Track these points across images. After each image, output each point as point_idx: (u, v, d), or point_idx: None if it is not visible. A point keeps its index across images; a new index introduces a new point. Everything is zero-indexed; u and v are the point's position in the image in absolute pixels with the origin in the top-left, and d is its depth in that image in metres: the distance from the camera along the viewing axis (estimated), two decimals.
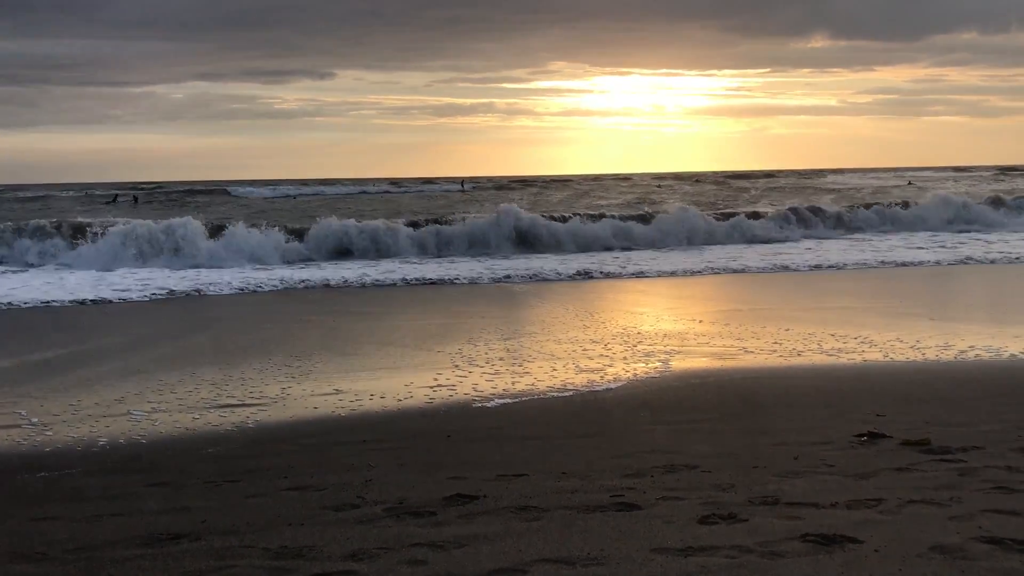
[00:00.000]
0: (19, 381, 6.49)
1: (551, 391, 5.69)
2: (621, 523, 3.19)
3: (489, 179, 66.52)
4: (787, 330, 7.87)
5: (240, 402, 5.62)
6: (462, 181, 57.78)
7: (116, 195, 41.31)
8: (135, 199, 39.60)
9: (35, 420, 5.26)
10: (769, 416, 4.92)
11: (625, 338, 7.67)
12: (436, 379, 6.15)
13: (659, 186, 48.59)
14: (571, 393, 5.61)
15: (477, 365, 6.59)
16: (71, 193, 50.66)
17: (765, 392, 5.54)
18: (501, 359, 6.80)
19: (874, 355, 6.72)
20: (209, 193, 47.71)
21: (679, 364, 6.52)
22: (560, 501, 3.43)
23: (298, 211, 29.90)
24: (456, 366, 6.58)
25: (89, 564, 2.92)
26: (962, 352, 6.75)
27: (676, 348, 7.16)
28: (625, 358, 6.76)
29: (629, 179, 61.85)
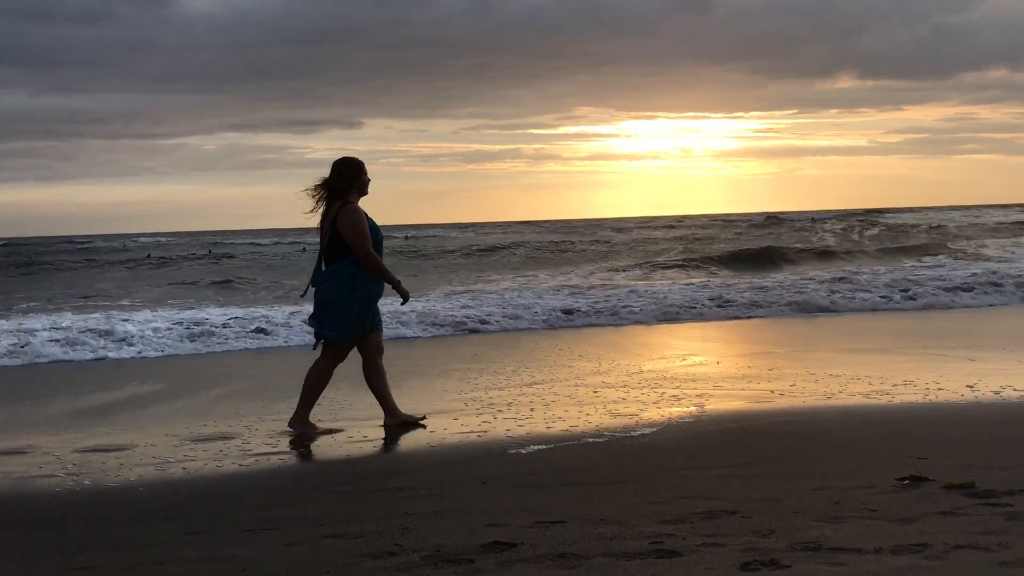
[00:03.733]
0: (54, 430, 6.56)
1: (585, 436, 5.66)
2: (661, 570, 3.15)
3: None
4: (823, 372, 7.79)
5: (274, 449, 5.64)
6: None
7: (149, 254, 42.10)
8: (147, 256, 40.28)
9: (71, 467, 5.31)
10: (807, 460, 4.86)
11: (657, 381, 7.63)
12: (471, 426, 6.16)
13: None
14: (606, 439, 5.58)
15: (504, 409, 6.58)
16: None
17: (802, 435, 5.47)
18: (528, 402, 6.79)
19: (912, 396, 6.63)
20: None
21: (714, 408, 6.47)
22: (599, 548, 3.40)
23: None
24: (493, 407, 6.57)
25: None
26: (998, 391, 6.65)
27: (710, 392, 7.11)
28: (658, 402, 6.72)
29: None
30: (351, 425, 6.33)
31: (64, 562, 3.53)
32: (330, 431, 6.14)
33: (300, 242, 51.70)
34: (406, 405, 7.13)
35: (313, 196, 6.19)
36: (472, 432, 5.97)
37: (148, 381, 8.90)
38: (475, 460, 5.19)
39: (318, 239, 6.25)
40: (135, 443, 5.95)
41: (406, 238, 47.95)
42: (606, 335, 11.75)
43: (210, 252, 43.54)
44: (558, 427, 5.98)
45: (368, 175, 6.22)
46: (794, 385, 7.26)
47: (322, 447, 5.72)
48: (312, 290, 6.25)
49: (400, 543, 3.56)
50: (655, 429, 5.79)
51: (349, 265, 6.05)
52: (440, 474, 4.88)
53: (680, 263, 24.74)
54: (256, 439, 5.96)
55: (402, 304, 6.40)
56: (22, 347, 10.69)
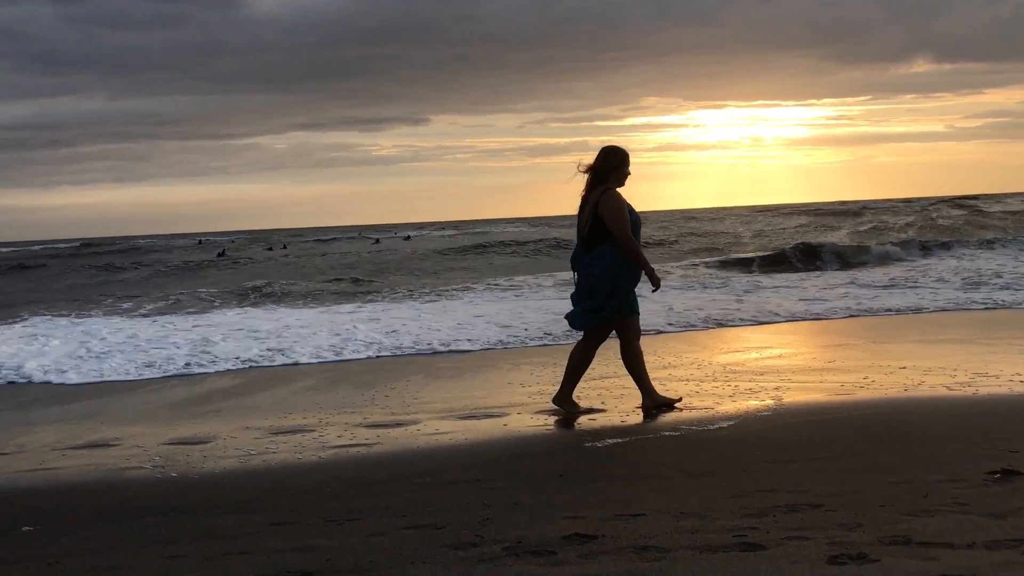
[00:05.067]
0: (139, 424, 6.75)
1: (662, 430, 5.62)
2: (746, 563, 3.11)
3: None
4: (900, 364, 7.61)
5: (351, 441, 5.72)
6: None
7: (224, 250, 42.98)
8: (222, 252, 41.03)
9: (157, 459, 5.46)
10: (892, 453, 4.75)
11: (728, 375, 7.54)
12: (544, 420, 6.17)
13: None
14: (682, 432, 5.53)
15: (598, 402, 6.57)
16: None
17: (885, 428, 5.35)
18: (598, 396, 6.77)
19: (995, 388, 6.44)
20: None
21: (791, 401, 6.37)
22: (681, 541, 3.38)
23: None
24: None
25: None
26: None
27: (785, 384, 7.00)
28: (732, 396, 6.64)
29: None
30: (424, 418, 6.39)
31: (156, 551, 3.62)
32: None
33: (373, 236, 53.21)
34: (480, 399, 7.18)
35: (584, 175, 6.29)
36: (545, 425, 5.97)
37: (227, 376, 9.10)
38: (550, 453, 5.19)
39: (576, 225, 6.37)
40: (217, 435, 6.10)
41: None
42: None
43: (284, 247, 44.63)
44: (632, 420, 5.94)
45: (630, 167, 6.32)
46: (871, 377, 7.10)
47: (400, 440, 5.78)
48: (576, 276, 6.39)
49: (481, 534, 3.58)
50: (732, 422, 5.72)
51: (612, 250, 6.16)
52: (516, 467, 4.90)
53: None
54: (333, 432, 6.05)
55: (653, 291, 6.44)
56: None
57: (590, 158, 6.37)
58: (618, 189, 6.29)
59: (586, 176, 6.32)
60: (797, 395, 6.57)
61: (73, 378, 9.09)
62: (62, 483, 5.03)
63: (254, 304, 17.33)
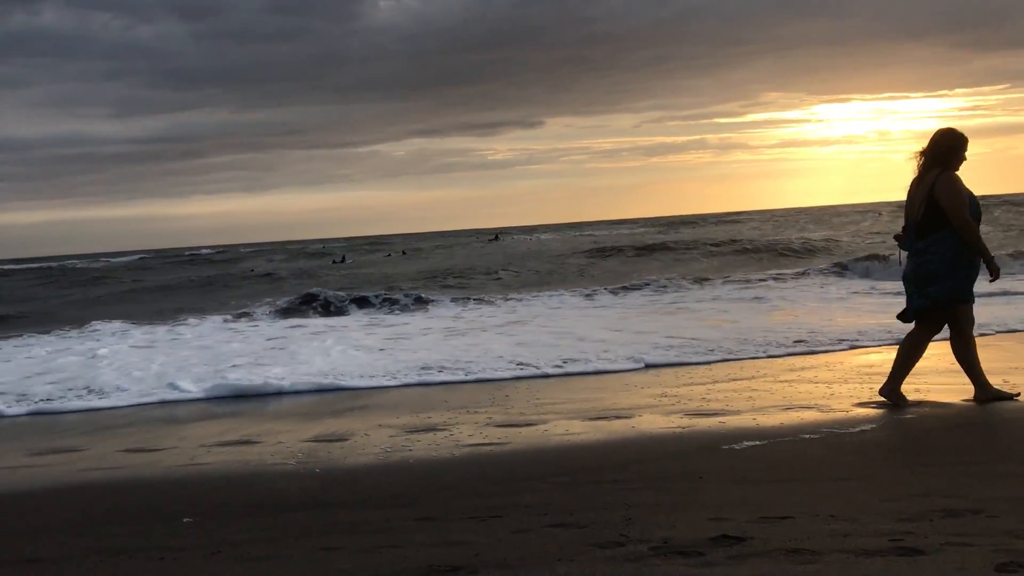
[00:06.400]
0: (275, 421, 6.99)
1: (800, 432, 5.48)
2: (905, 568, 3.01)
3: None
4: None
5: (484, 440, 5.78)
6: None
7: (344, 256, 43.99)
8: (343, 258, 41.97)
9: (301, 456, 5.64)
10: None
11: (862, 377, 7.29)
12: (675, 422, 6.10)
13: None
14: (823, 435, 5.38)
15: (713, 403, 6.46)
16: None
17: None
18: (725, 398, 6.64)
19: None
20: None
21: (936, 403, 6.11)
22: (834, 545, 3.29)
23: None
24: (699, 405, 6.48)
25: None
26: None
27: (927, 386, 6.72)
28: (871, 397, 6.42)
29: None
30: (552, 418, 6.40)
31: (309, 543, 3.74)
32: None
33: (494, 233, 53.94)
34: (603, 400, 7.15)
35: (918, 165, 6.06)
36: (677, 427, 5.91)
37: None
38: (688, 455, 5.13)
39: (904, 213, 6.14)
40: (354, 433, 6.26)
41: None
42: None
43: (403, 252, 45.71)
44: (767, 422, 5.82)
45: (966, 152, 6.01)
46: (1014, 380, 6.75)
47: (531, 439, 5.82)
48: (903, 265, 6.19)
49: (626, 534, 3.56)
50: (874, 425, 5.54)
51: (950, 237, 5.89)
52: (654, 468, 4.86)
53: None
54: (465, 431, 6.13)
55: (991, 280, 6.08)
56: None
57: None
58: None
59: (918, 161, 6.03)
60: (939, 397, 6.31)
61: (210, 387, 9.44)
62: (214, 477, 5.26)
63: (388, 311, 17.72)
